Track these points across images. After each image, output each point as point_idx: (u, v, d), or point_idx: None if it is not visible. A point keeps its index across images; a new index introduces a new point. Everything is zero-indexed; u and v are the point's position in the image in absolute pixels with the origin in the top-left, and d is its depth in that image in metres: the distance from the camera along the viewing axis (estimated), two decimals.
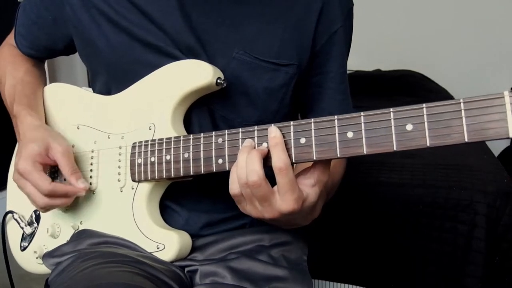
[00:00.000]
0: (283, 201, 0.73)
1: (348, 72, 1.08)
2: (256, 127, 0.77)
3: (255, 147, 0.77)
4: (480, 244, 1.59)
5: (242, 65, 0.93)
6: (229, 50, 0.93)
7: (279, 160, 0.72)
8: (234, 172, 0.77)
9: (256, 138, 0.77)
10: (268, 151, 0.75)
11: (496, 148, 2.77)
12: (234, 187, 0.77)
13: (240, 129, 0.79)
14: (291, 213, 0.74)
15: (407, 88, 3.16)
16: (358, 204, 1.73)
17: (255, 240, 0.99)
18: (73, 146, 1.02)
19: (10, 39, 1.20)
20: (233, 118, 0.96)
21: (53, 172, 1.03)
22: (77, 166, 0.98)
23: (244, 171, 0.74)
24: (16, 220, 1.12)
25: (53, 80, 1.08)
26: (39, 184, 0.92)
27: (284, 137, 0.74)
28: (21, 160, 0.94)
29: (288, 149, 0.74)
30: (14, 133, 1.03)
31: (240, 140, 0.78)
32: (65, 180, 1.03)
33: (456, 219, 1.62)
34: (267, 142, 0.75)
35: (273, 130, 0.74)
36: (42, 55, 1.18)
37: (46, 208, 0.97)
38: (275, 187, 0.74)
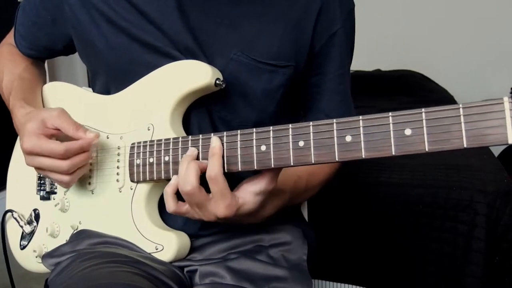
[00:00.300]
0: (216, 207, 0.80)
1: None
2: (254, 130, 0.78)
3: (198, 157, 0.82)
4: (480, 244, 1.59)
5: (240, 66, 0.93)
6: (227, 51, 0.93)
7: (211, 169, 0.78)
8: (170, 189, 0.84)
9: (254, 141, 0.77)
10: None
11: (496, 148, 2.77)
12: (170, 205, 0.85)
13: (239, 131, 0.79)
14: (225, 218, 0.80)
15: (407, 88, 3.16)
16: (358, 204, 1.73)
17: (254, 240, 0.99)
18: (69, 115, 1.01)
19: (9, 38, 1.20)
20: (231, 119, 0.96)
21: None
22: (76, 122, 0.95)
23: (182, 181, 0.80)
24: (15, 219, 1.12)
25: (53, 80, 1.09)
26: (52, 148, 0.89)
27: (281, 140, 0.74)
28: (24, 140, 0.91)
29: (286, 152, 0.74)
30: (13, 132, 1.03)
31: (239, 142, 0.78)
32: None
33: (456, 219, 1.62)
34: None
35: (213, 140, 0.80)
36: (42, 55, 1.18)
37: (72, 173, 0.93)
38: (210, 194, 0.80)
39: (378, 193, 1.73)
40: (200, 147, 0.83)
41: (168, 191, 0.83)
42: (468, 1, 3.50)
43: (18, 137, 1.16)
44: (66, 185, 0.96)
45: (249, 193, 0.81)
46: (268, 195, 0.82)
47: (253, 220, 0.87)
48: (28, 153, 0.92)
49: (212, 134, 0.81)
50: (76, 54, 1.11)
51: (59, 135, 0.94)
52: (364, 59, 2.61)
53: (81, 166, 0.94)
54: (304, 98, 1.04)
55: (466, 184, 1.66)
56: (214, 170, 0.78)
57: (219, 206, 0.79)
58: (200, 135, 0.83)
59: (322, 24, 0.97)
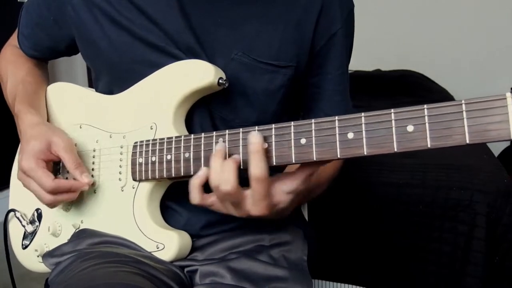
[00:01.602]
0: (254, 206, 0.77)
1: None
2: (256, 127, 0.78)
3: (226, 152, 0.79)
4: (480, 244, 1.59)
5: (241, 66, 0.93)
6: (228, 51, 0.93)
7: (257, 168, 0.74)
8: (197, 182, 0.81)
9: (262, 139, 0.76)
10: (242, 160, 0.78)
11: (496, 148, 2.77)
12: (195, 196, 0.82)
13: (241, 129, 0.79)
14: (259, 217, 0.78)
15: (407, 88, 3.16)
16: (358, 204, 1.73)
17: (255, 240, 0.99)
18: (75, 145, 1.02)
19: (13, 40, 1.20)
20: (232, 119, 0.96)
21: (57, 167, 1.04)
22: (80, 160, 0.97)
23: (218, 178, 0.77)
24: (18, 218, 1.12)
25: (53, 80, 1.08)
26: (42, 181, 0.92)
27: (283, 137, 0.74)
28: (24, 158, 0.94)
29: (288, 149, 0.74)
30: (16, 132, 1.03)
31: (241, 140, 0.78)
32: (68, 173, 1.04)
33: (456, 219, 1.62)
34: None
35: (254, 136, 0.75)
36: (45, 55, 1.18)
37: (53, 205, 0.97)
38: (248, 192, 0.77)
39: (378, 193, 1.73)
40: (202, 145, 0.83)
41: (196, 183, 0.80)
42: (468, 1, 3.50)
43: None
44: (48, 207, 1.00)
45: (283, 192, 0.79)
46: (297, 194, 0.81)
47: (274, 217, 0.84)
48: (22, 171, 0.95)
49: (214, 132, 0.82)
50: (77, 55, 1.11)
51: (57, 162, 1.00)
52: (364, 59, 2.61)
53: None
54: (304, 98, 1.05)
55: (466, 184, 1.66)
56: (261, 169, 0.74)
57: (258, 205, 0.77)
58: (203, 134, 0.83)
59: (323, 24, 0.97)
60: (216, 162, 0.78)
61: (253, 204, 0.77)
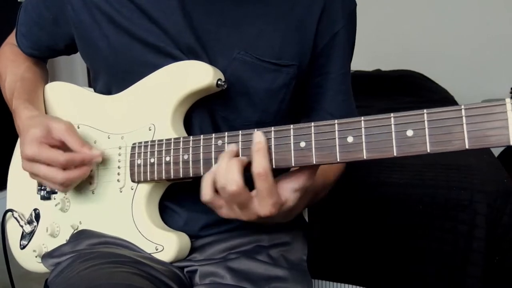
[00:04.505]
0: (261, 206, 0.75)
1: None
2: (256, 130, 0.77)
3: (239, 154, 0.77)
4: (480, 244, 1.59)
5: (243, 66, 0.93)
6: (230, 51, 0.93)
7: (259, 165, 0.73)
8: (210, 178, 0.78)
9: (265, 138, 0.76)
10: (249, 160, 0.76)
11: (496, 148, 2.77)
12: (207, 192, 0.78)
13: (240, 132, 0.78)
14: (268, 216, 0.76)
15: (407, 88, 3.16)
16: (358, 204, 1.73)
17: (254, 240, 0.99)
18: (77, 129, 1.01)
19: (12, 38, 1.20)
20: (233, 119, 0.96)
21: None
22: (83, 139, 0.95)
23: (224, 178, 0.75)
24: (15, 218, 1.12)
25: (53, 79, 1.08)
26: (53, 158, 0.89)
27: (283, 140, 0.74)
28: (26, 146, 0.91)
29: (287, 152, 0.73)
30: (14, 133, 1.03)
31: (240, 142, 0.78)
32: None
33: (456, 219, 1.62)
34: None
35: (258, 135, 0.75)
36: (44, 54, 1.18)
37: (66, 184, 0.92)
38: (254, 192, 0.76)
39: (378, 193, 1.73)
40: (201, 147, 0.83)
41: (209, 179, 0.78)
42: (468, 1, 3.50)
43: (19, 138, 1.16)
44: (61, 191, 0.97)
45: (289, 190, 0.77)
46: (304, 191, 0.79)
47: (284, 219, 0.83)
48: (27, 159, 0.92)
49: (213, 134, 0.81)
50: (77, 54, 1.11)
51: (60, 148, 0.93)
52: (364, 59, 2.62)
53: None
54: (307, 98, 1.04)
55: (466, 184, 1.66)
56: (263, 165, 0.73)
57: (265, 204, 0.75)
58: (201, 136, 0.83)
59: (325, 23, 0.97)
60: (222, 162, 0.76)
61: (260, 204, 0.75)
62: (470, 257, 1.59)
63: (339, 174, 1.06)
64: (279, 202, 0.76)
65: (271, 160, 0.74)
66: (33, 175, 0.95)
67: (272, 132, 0.75)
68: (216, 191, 0.78)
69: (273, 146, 0.75)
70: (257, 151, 0.74)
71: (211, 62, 0.90)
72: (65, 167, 0.90)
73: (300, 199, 0.79)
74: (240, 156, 0.77)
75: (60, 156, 0.89)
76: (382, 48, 3.61)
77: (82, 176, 0.93)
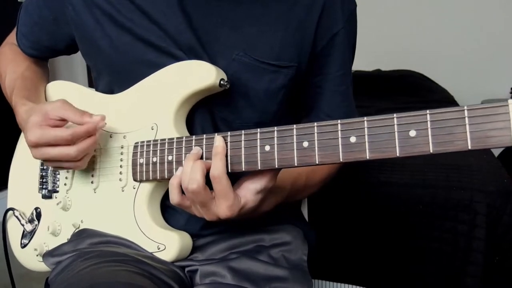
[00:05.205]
0: (219, 207, 0.80)
1: None
2: (259, 130, 0.78)
3: (202, 157, 0.83)
4: (480, 244, 1.59)
5: (242, 67, 0.93)
6: (229, 52, 0.93)
7: (215, 168, 0.78)
8: (175, 181, 0.83)
9: (259, 141, 0.77)
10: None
11: (497, 148, 2.77)
12: (173, 195, 0.84)
13: (243, 131, 0.79)
14: (227, 218, 0.81)
15: (407, 88, 3.16)
16: (358, 204, 1.73)
17: (255, 240, 0.99)
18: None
19: (12, 38, 1.20)
20: (233, 120, 0.96)
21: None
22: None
23: (186, 178, 0.79)
24: (16, 217, 1.12)
25: (53, 79, 1.08)
26: (57, 135, 0.89)
27: (285, 140, 0.74)
28: (29, 133, 0.90)
29: (290, 152, 0.74)
30: (14, 132, 1.03)
31: (243, 142, 0.78)
32: (56, 172, 1.06)
33: (456, 219, 1.62)
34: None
35: (217, 140, 0.80)
36: (44, 54, 1.18)
37: (81, 157, 0.92)
38: (214, 193, 0.80)
39: (378, 193, 1.73)
40: (204, 146, 0.83)
41: (174, 183, 0.83)
42: (468, 1, 3.50)
43: (20, 136, 1.16)
44: (79, 169, 0.97)
45: (250, 192, 0.80)
46: (267, 192, 0.82)
47: (250, 217, 0.86)
48: (33, 145, 0.91)
49: (216, 134, 0.82)
50: (77, 53, 1.11)
51: (62, 126, 0.93)
52: (364, 59, 2.61)
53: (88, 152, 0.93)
54: (306, 98, 1.04)
55: (466, 184, 1.66)
56: (218, 169, 0.77)
57: (221, 206, 0.79)
58: (204, 135, 0.83)
59: (324, 24, 0.97)
60: (187, 164, 0.81)
61: (217, 205, 0.80)
62: (470, 257, 1.60)
63: (327, 177, 1.06)
64: (236, 205, 0.79)
65: (272, 160, 0.75)
66: (46, 161, 0.94)
67: (275, 132, 0.75)
68: (182, 192, 0.83)
69: (276, 145, 0.75)
70: (215, 154, 0.78)
71: (211, 62, 0.90)
72: (71, 142, 0.89)
73: (262, 200, 0.82)
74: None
75: (64, 132, 0.89)
76: (382, 48, 3.61)
77: (93, 144, 0.92)
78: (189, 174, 0.79)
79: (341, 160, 0.69)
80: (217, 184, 0.78)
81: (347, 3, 1.00)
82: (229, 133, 0.80)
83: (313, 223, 1.25)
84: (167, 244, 0.92)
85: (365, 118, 0.67)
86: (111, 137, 0.99)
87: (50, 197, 1.07)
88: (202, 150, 0.83)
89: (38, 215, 1.10)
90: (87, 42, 1.01)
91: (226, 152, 0.79)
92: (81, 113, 0.91)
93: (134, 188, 0.94)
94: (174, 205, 0.85)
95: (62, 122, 0.92)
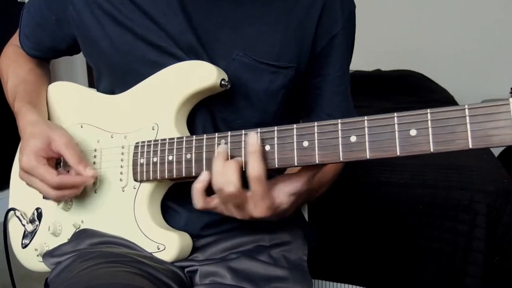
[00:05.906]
0: (256, 208, 0.78)
1: None
2: (259, 130, 0.78)
3: (228, 154, 0.79)
4: (480, 244, 1.59)
5: (242, 67, 0.93)
6: (229, 52, 0.93)
7: (254, 169, 0.75)
8: (200, 186, 0.81)
9: (259, 140, 0.77)
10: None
11: (496, 147, 2.77)
12: (198, 200, 0.82)
13: (243, 131, 0.79)
14: (261, 218, 0.79)
15: (407, 88, 3.17)
16: (358, 204, 1.73)
17: (255, 240, 0.99)
18: (76, 145, 1.02)
19: (15, 40, 1.20)
20: (233, 120, 0.96)
21: (57, 163, 1.03)
22: (82, 155, 0.97)
23: (221, 180, 0.77)
24: (18, 217, 1.12)
25: (54, 80, 1.08)
26: (46, 178, 0.92)
27: (286, 140, 0.74)
28: (24, 156, 0.93)
29: (290, 152, 0.74)
30: (16, 133, 1.03)
31: (243, 142, 0.78)
32: (69, 166, 1.05)
33: (456, 219, 1.62)
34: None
35: (251, 136, 0.76)
36: (46, 55, 1.18)
37: (59, 199, 0.98)
38: (249, 193, 0.77)
39: (378, 193, 1.73)
40: (204, 146, 0.83)
41: (198, 188, 0.81)
42: (468, 1, 3.51)
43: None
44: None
45: (285, 194, 0.79)
46: (299, 195, 0.81)
47: (276, 219, 0.85)
48: (23, 170, 0.94)
49: (216, 134, 0.82)
50: (77, 54, 1.11)
51: (57, 158, 0.98)
52: (364, 59, 2.62)
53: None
54: (305, 98, 1.05)
55: (466, 184, 1.66)
56: (258, 169, 0.75)
57: (259, 207, 0.77)
58: (204, 135, 0.83)
59: (324, 25, 0.97)
60: (218, 164, 0.78)
61: (254, 206, 0.78)
62: (470, 257, 1.60)
63: (335, 174, 1.07)
64: (273, 205, 0.78)
65: (267, 161, 0.75)
66: (28, 184, 0.97)
67: (275, 132, 0.75)
68: (206, 196, 0.81)
69: (276, 145, 0.75)
70: (252, 153, 0.75)
71: (211, 62, 0.90)
72: (55, 188, 0.93)
73: (294, 202, 0.81)
74: (235, 157, 0.79)
75: (52, 178, 0.92)
76: (382, 48, 3.61)
77: (73, 195, 0.97)
78: (222, 176, 0.77)
79: (341, 159, 0.69)
80: (257, 185, 0.75)
81: (347, 3, 1.01)
82: (229, 133, 0.80)
83: (313, 223, 1.25)
84: (167, 244, 0.92)
85: (366, 118, 0.67)
86: (112, 137, 0.99)
87: None
88: (203, 150, 0.83)
89: (39, 216, 1.10)
90: (88, 42, 1.01)
91: (227, 153, 0.79)
92: (79, 160, 0.94)
93: (135, 188, 0.94)
94: (197, 208, 0.83)
95: (59, 157, 0.97)
